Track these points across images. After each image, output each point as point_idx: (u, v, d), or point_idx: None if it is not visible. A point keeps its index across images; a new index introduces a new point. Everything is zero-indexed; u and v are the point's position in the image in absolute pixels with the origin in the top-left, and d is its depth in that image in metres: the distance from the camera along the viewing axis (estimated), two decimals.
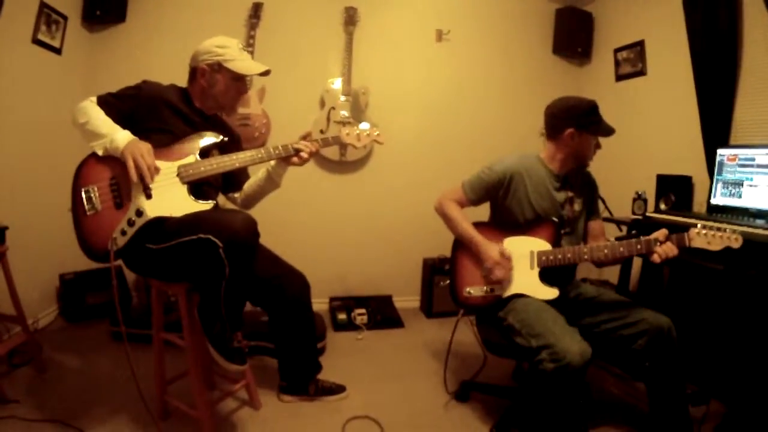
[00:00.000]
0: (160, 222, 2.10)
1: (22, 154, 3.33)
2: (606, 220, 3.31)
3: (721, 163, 3.07)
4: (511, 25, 4.62)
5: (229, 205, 2.67)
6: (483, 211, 2.75)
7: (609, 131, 2.50)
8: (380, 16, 4.29)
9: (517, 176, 2.54)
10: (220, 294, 2.03)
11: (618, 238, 2.57)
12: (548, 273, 2.47)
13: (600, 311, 2.45)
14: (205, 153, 2.26)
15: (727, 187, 3.03)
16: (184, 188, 2.17)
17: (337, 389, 2.86)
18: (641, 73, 4.10)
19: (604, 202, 2.98)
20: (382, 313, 4.14)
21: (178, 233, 2.02)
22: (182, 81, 2.42)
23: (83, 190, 2.12)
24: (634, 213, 3.36)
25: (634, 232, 2.87)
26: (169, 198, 2.14)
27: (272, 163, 2.48)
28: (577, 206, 2.62)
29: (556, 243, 2.48)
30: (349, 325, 4.00)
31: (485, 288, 2.50)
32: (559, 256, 2.43)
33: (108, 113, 2.16)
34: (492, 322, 2.50)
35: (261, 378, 2.89)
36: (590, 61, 4.73)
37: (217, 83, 2.32)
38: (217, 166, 2.24)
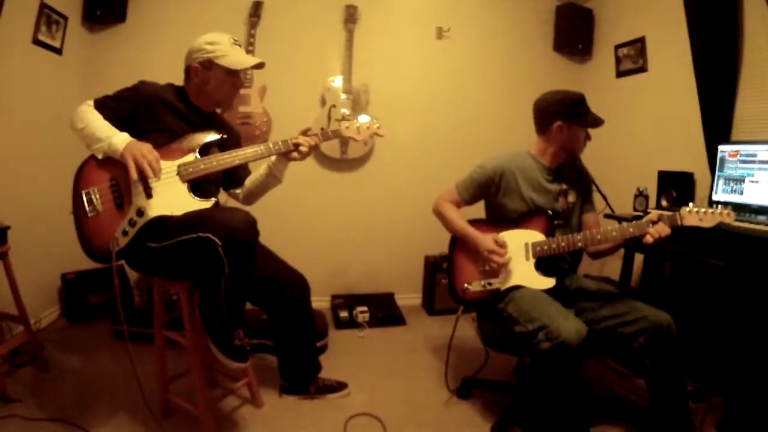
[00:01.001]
0: (161, 221, 2.11)
1: (24, 154, 3.34)
2: (607, 216, 3.32)
3: (723, 160, 3.06)
4: (512, 23, 4.61)
5: (231, 202, 2.68)
6: (480, 210, 2.77)
7: (597, 122, 2.52)
8: (380, 14, 4.29)
9: (508, 172, 2.59)
10: (221, 292, 2.04)
11: None
12: (544, 263, 2.51)
13: (600, 307, 2.46)
14: (204, 151, 2.27)
15: (729, 184, 3.02)
16: (184, 187, 2.18)
17: (339, 387, 2.87)
18: (642, 69, 4.09)
19: (605, 198, 2.98)
20: (383, 311, 4.14)
21: (178, 232, 2.03)
22: (183, 80, 2.42)
23: (84, 192, 2.13)
24: (635, 209, 3.37)
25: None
26: (169, 197, 2.14)
27: (273, 159, 2.48)
28: (571, 198, 2.65)
29: (549, 234, 2.51)
30: (351, 323, 4.00)
31: (482, 282, 2.53)
32: (554, 246, 2.47)
33: (106, 116, 2.16)
34: (492, 316, 2.53)
35: (263, 376, 2.89)
36: (591, 58, 4.72)
37: (210, 80, 2.32)
38: (217, 163, 2.24)
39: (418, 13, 4.41)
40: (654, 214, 2.28)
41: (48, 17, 3.38)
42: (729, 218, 2.15)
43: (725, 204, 2.93)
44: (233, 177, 2.59)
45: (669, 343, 2.27)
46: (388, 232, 4.52)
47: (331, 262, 4.42)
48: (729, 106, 3.26)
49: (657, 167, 3.53)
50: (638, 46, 4.08)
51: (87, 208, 2.12)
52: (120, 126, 2.15)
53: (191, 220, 2.04)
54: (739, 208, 2.82)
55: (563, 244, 2.45)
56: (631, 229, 2.30)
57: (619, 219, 3.34)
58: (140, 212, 2.10)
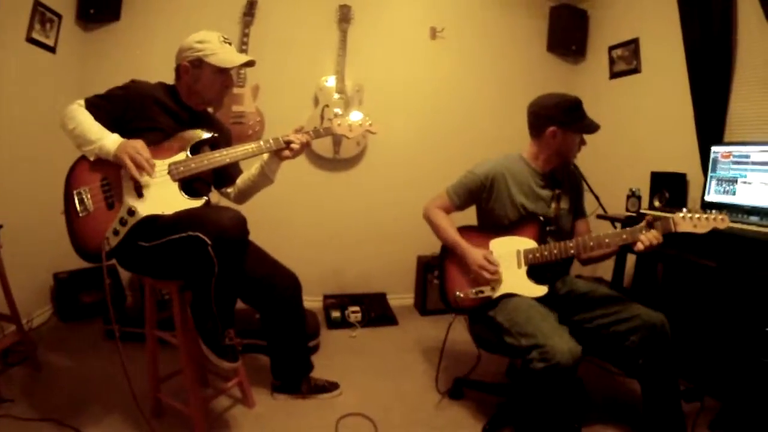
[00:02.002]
0: (152, 220, 2.10)
1: (16, 153, 3.33)
2: (600, 216, 3.33)
3: (715, 161, 3.07)
4: (506, 23, 4.62)
5: (224, 201, 2.67)
6: (471, 215, 2.76)
7: (593, 128, 2.47)
8: (374, 13, 4.29)
9: (500, 177, 2.55)
10: (211, 291, 2.03)
11: None
12: (537, 271, 2.48)
13: (592, 307, 2.45)
14: (195, 149, 2.26)
15: (721, 184, 3.03)
16: (175, 185, 2.18)
17: (331, 387, 2.87)
18: (636, 70, 4.10)
19: (598, 198, 2.99)
20: (376, 311, 4.15)
21: (169, 231, 2.03)
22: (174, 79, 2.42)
23: (75, 192, 2.14)
24: (628, 210, 3.37)
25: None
26: (160, 196, 2.14)
27: (265, 158, 2.47)
28: (563, 204, 2.62)
29: (541, 241, 2.48)
30: (343, 323, 4.00)
31: (474, 290, 2.50)
32: (546, 253, 2.43)
33: (97, 116, 2.16)
34: (484, 322, 2.50)
35: (254, 376, 2.89)
36: (585, 59, 4.74)
37: (200, 79, 2.31)
38: (208, 162, 2.24)
39: (412, 14, 4.42)
40: (649, 216, 2.26)
41: (42, 15, 3.37)
42: (723, 224, 2.13)
43: (718, 205, 2.95)
44: (225, 176, 2.58)
45: (663, 343, 2.26)
46: (380, 232, 4.52)
47: (323, 262, 4.42)
48: (722, 108, 3.28)
49: (650, 168, 3.54)
50: (632, 47, 4.10)
51: (78, 208, 2.12)
52: (111, 125, 2.16)
53: (181, 219, 2.05)
54: (732, 209, 2.83)
55: (555, 251, 2.42)
56: (624, 236, 2.28)
57: (612, 220, 3.35)
58: (131, 211, 2.10)
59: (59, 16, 3.54)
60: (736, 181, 2.95)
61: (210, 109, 2.60)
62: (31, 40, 3.32)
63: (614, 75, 4.33)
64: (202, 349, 2.12)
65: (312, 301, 4.12)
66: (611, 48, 4.32)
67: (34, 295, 3.61)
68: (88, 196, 2.13)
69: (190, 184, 2.25)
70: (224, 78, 2.37)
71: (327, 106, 4.09)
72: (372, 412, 2.67)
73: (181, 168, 2.19)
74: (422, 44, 4.46)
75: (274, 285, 2.56)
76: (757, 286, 2.58)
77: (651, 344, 2.26)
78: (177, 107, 2.34)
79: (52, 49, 3.54)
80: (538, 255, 2.44)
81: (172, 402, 2.45)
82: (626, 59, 4.17)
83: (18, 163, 3.34)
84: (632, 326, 2.29)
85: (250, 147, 2.32)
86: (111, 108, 2.21)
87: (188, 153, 2.23)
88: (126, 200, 2.12)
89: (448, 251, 2.65)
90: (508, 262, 2.48)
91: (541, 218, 2.51)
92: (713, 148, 3.11)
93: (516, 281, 2.46)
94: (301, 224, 4.36)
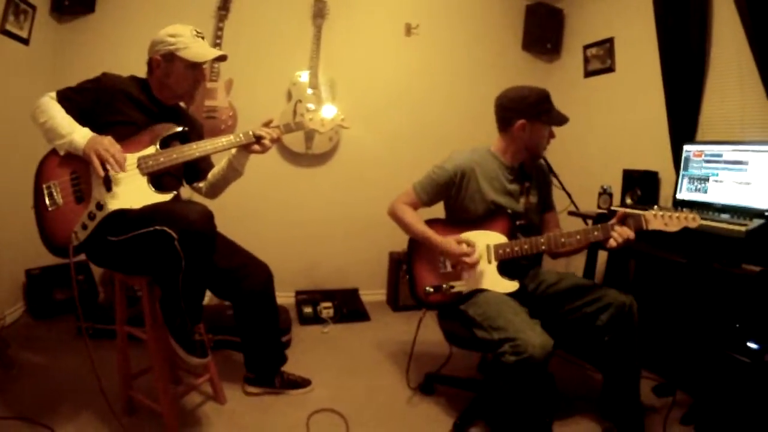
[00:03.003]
0: (121, 214, 2.09)
1: None
2: (571, 213, 3.35)
3: (687, 159, 3.10)
4: (481, 20, 4.64)
5: (196, 196, 2.66)
6: (439, 210, 2.75)
7: (561, 120, 2.47)
8: (349, 9, 4.28)
9: (469, 172, 2.53)
10: (179, 286, 2.02)
11: None
12: (507, 266, 2.47)
13: (563, 295, 2.48)
14: (165, 143, 2.25)
15: (693, 183, 3.06)
16: (143, 180, 2.16)
17: (303, 383, 2.86)
18: (610, 69, 4.14)
19: (569, 195, 3.00)
20: (348, 307, 4.16)
21: (136, 225, 2.02)
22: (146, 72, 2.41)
23: (45, 186, 2.13)
24: (599, 207, 3.40)
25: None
26: (129, 190, 2.13)
27: (233, 151, 2.47)
28: (533, 198, 2.63)
29: (511, 235, 2.48)
30: (315, 319, 4.00)
31: (444, 285, 2.48)
32: (516, 248, 2.42)
33: (68, 109, 2.15)
34: (454, 316, 2.49)
35: (226, 372, 2.88)
36: (560, 57, 4.77)
37: (172, 73, 2.30)
38: (177, 156, 2.23)
39: (386, 10, 4.42)
40: (621, 212, 2.28)
41: (16, 7, 3.32)
42: (694, 223, 2.14)
43: (690, 203, 2.98)
44: (196, 170, 2.58)
45: (629, 322, 2.30)
46: (352, 228, 4.52)
47: (295, 257, 4.40)
48: (695, 107, 3.32)
49: (622, 166, 3.58)
50: (607, 46, 4.13)
51: (47, 202, 2.11)
52: (82, 118, 2.15)
53: (148, 213, 2.04)
54: (703, 207, 2.86)
55: (526, 246, 2.41)
56: (596, 233, 2.29)
57: (584, 216, 3.38)
58: (99, 206, 2.09)
59: (33, 8, 3.49)
60: (708, 180, 2.98)
61: (182, 104, 2.59)
62: (4, 32, 3.27)
63: (589, 74, 4.36)
64: (172, 344, 2.12)
65: (284, 297, 4.06)
66: (586, 47, 4.35)
67: (6, 292, 3.57)
68: (58, 190, 2.12)
69: (159, 179, 2.23)
70: (196, 72, 2.36)
71: (300, 101, 4.07)
72: (343, 408, 2.68)
73: (150, 162, 2.17)
74: (397, 41, 4.47)
75: (246, 275, 2.54)
76: (727, 282, 2.62)
77: (618, 323, 2.30)
78: (148, 101, 2.33)
79: (25, 41, 3.49)
80: (508, 250, 2.44)
81: (143, 399, 2.43)
82: (601, 58, 4.20)
83: None
84: (601, 305, 2.33)
85: (220, 141, 2.31)
86: (82, 101, 2.20)
87: (158, 147, 2.22)
88: (95, 194, 2.11)
89: (416, 245, 2.63)
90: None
91: (511, 212, 2.51)
92: (685, 147, 3.13)
93: (487, 277, 2.45)
94: (272, 220, 4.35)
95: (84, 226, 2.09)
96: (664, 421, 2.54)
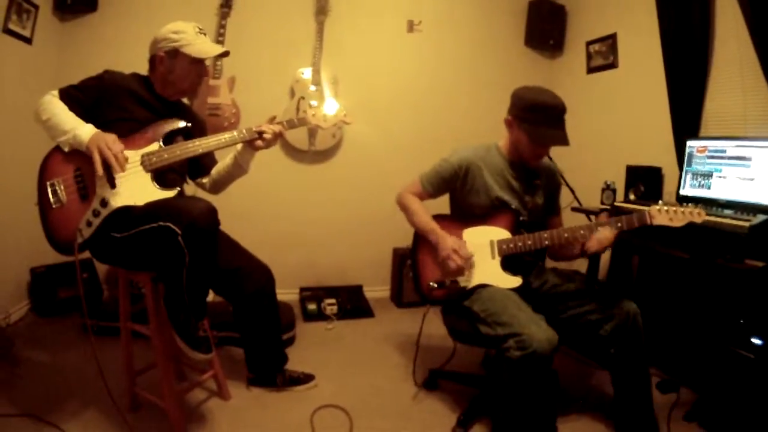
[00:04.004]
0: (125, 211, 2.10)
1: None
2: (574, 209, 3.35)
3: (691, 155, 3.10)
4: (484, 17, 4.64)
5: (199, 192, 2.67)
6: (444, 204, 2.76)
7: (544, 140, 2.38)
8: (351, 5, 4.28)
9: (474, 167, 2.52)
10: (182, 282, 2.03)
11: None
12: (511, 261, 2.47)
13: (566, 299, 2.47)
14: (168, 140, 2.26)
15: (696, 179, 3.06)
16: (147, 176, 2.17)
17: (306, 379, 2.87)
18: (612, 65, 4.13)
19: (572, 191, 2.99)
20: (352, 303, 4.16)
21: (140, 221, 2.03)
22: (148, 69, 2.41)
23: (49, 183, 2.14)
24: (602, 203, 3.40)
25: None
26: (133, 187, 2.14)
27: (239, 148, 2.48)
28: (539, 199, 2.61)
29: (515, 231, 2.47)
30: (319, 315, 4.00)
31: (448, 280, 2.47)
32: (519, 244, 2.42)
33: (71, 106, 2.16)
34: (458, 312, 2.49)
35: (230, 368, 2.89)
36: (562, 54, 4.76)
37: (175, 69, 2.31)
38: (181, 152, 2.23)
39: (389, 6, 4.41)
40: (602, 217, 2.30)
41: (19, 6, 3.32)
42: (699, 218, 2.12)
43: (693, 199, 2.98)
44: (199, 166, 2.59)
45: (634, 332, 2.29)
46: (356, 225, 4.52)
47: (299, 254, 4.41)
48: (698, 103, 3.31)
49: (626, 162, 3.58)
50: (609, 42, 4.13)
51: (51, 200, 2.13)
52: (85, 116, 2.15)
53: (152, 209, 2.05)
54: (707, 203, 2.85)
55: (530, 242, 2.40)
56: (599, 228, 2.28)
57: (587, 212, 3.38)
58: (104, 203, 2.10)
59: (36, 7, 3.49)
60: (712, 176, 2.97)
61: (185, 100, 2.59)
62: (7, 31, 3.27)
63: (591, 70, 4.36)
64: (176, 340, 2.12)
65: (288, 294, 4.12)
66: (589, 43, 4.35)
67: (11, 291, 3.57)
68: (62, 187, 2.13)
69: (163, 175, 2.24)
70: (199, 68, 2.38)
71: (303, 98, 4.07)
72: (347, 404, 2.68)
73: (154, 159, 2.18)
74: (399, 37, 4.46)
75: (246, 277, 2.55)
76: (730, 277, 2.62)
77: (623, 333, 2.29)
78: (151, 98, 2.34)
79: (28, 40, 3.49)
80: (512, 246, 2.43)
81: (148, 395, 2.44)
82: (603, 54, 4.20)
83: None
84: (605, 315, 2.33)
85: (222, 137, 2.32)
86: (85, 98, 2.21)
87: (161, 143, 2.23)
88: (99, 192, 2.12)
89: (421, 239, 2.63)
90: (482, 252, 2.47)
91: (515, 208, 2.50)
92: (689, 143, 3.13)
93: (490, 272, 2.45)
94: (276, 216, 4.34)
95: (88, 223, 2.11)
96: (668, 417, 2.53)
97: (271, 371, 2.81)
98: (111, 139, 2.07)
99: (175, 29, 2.29)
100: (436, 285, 2.48)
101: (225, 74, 3.95)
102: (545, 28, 4.62)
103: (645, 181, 3.41)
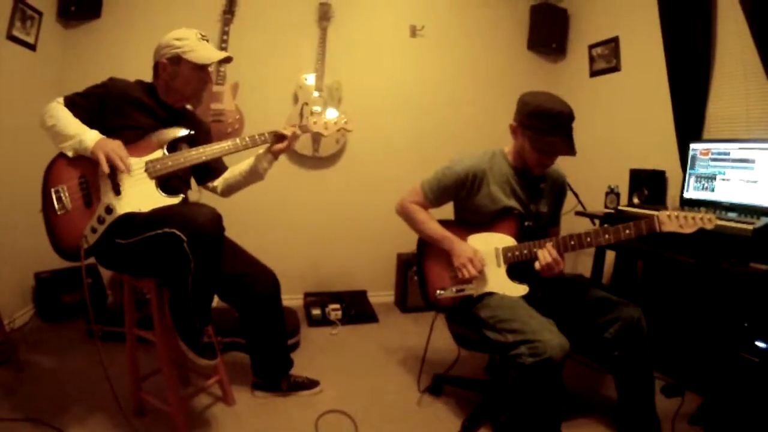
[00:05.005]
0: (130, 218, 2.11)
1: None
2: (578, 213, 3.36)
3: (694, 158, 3.09)
4: (486, 21, 4.64)
5: (205, 197, 2.67)
6: (447, 209, 2.73)
7: (546, 148, 2.31)
8: (354, 11, 4.29)
9: (480, 174, 2.47)
10: (188, 288, 2.04)
11: None
12: (517, 269, 2.45)
13: (571, 303, 2.47)
14: (173, 147, 2.27)
15: (700, 181, 3.05)
16: (152, 183, 2.19)
17: (311, 384, 2.87)
18: (615, 69, 4.13)
19: (577, 195, 3.00)
20: (356, 309, 4.16)
21: (145, 228, 2.04)
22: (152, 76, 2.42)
23: (53, 190, 2.15)
24: (606, 207, 3.40)
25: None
26: (137, 194, 2.15)
27: (259, 154, 2.51)
28: (543, 207, 2.58)
29: (520, 237, 2.44)
30: (324, 321, 4.00)
31: (455, 288, 2.45)
32: (525, 251, 2.38)
33: (75, 114, 2.17)
34: (464, 319, 2.47)
35: (235, 374, 2.89)
36: (565, 57, 4.77)
37: (178, 76, 2.32)
38: (185, 160, 2.25)
39: (391, 11, 4.43)
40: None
41: (23, 13, 3.34)
42: (710, 224, 2.07)
43: (697, 202, 2.98)
44: (208, 170, 2.60)
45: (638, 336, 2.28)
46: (360, 230, 4.53)
47: (303, 259, 4.42)
48: (701, 105, 3.31)
49: (629, 165, 3.57)
50: (612, 45, 4.13)
51: (56, 206, 2.13)
52: (90, 123, 2.16)
53: (157, 216, 2.06)
54: (711, 206, 2.84)
55: (535, 249, 2.37)
56: (607, 236, 2.23)
57: (591, 216, 3.38)
58: (109, 209, 2.11)
59: (40, 14, 3.51)
60: (715, 178, 2.97)
61: (189, 106, 2.60)
62: (11, 38, 3.29)
63: (594, 73, 4.36)
64: (181, 346, 2.13)
65: (292, 299, 4.12)
66: (591, 46, 4.35)
67: (16, 296, 3.58)
68: (66, 194, 2.14)
69: (167, 182, 2.25)
70: (202, 74, 2.39)
71: (306, 104, 4.09)
72: (352, 410, 2.68)
73: (158, 166, 2.20)
74: (402, 42, 4.47)
75: (252, 283, 2.55)
76: (735, 281, 2.62)
77: (627, 337, 2.28)
78: (155, 105, 2.35)
79: (32, 47, 3.51)
80: (517, 253, 2.41)
81: (153, 400, 2.44)
82: (606, 57, 4.20)
83: None
84: (609, 319, 2.32)
85: (226, 144, 2.33)
86: (89, 106, 2.22)
87: (165, 151, 2.24)
88: (104, 198, 2.13)
89: (427, 246, 2.61)
90: (488, 260, 2.45)
91: (518, 213, 2.46)
92: (692, 146, 3.13)
93: (496, 280, 2.43)
94: (281, 222, 4.35)
95: (93, 230, 2.11)
96: (672, 421, 2.53)
97: (276, 376, 2.81)
98: (116, 144, 2.09)
99: (177, 36, 2.30)
100: (443, 292, 2.47)
101: (228, 80, 3.96)
102: (548, 32, 4.63)
103: (649, 185, 3.40)
